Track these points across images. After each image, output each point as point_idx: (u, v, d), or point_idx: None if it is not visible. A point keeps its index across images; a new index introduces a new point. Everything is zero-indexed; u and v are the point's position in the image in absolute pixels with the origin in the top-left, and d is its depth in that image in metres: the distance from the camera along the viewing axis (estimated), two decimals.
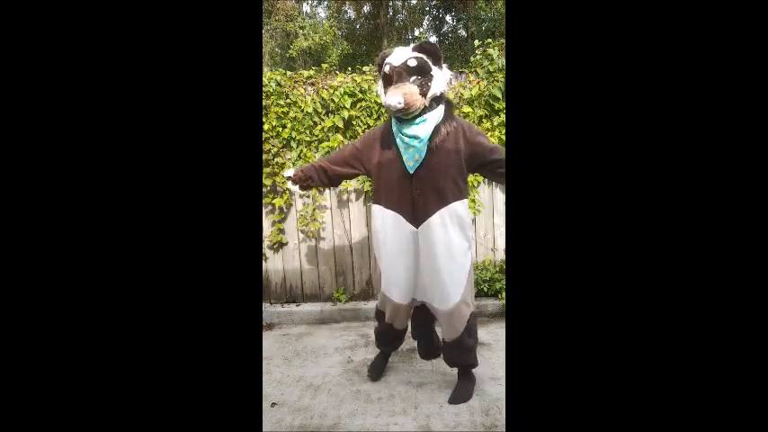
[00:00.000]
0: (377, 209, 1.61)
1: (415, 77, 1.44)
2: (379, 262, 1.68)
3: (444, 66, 1.53)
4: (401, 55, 1.47)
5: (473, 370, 1.76)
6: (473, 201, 2.60)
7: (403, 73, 1.44)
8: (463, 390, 1.70)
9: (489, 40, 2.67)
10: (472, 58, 2.65)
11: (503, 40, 2.65)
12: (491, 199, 2.69)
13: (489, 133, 2.57)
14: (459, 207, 1.54)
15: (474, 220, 2.71)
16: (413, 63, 1.44)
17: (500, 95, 2.53)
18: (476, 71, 2.59)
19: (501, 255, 2.73)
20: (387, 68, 1.48)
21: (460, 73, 2.63)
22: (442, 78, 1.49)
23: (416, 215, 1.52)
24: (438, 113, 1.52)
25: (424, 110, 1.48)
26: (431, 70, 1.46)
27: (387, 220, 1.57)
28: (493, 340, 2.25)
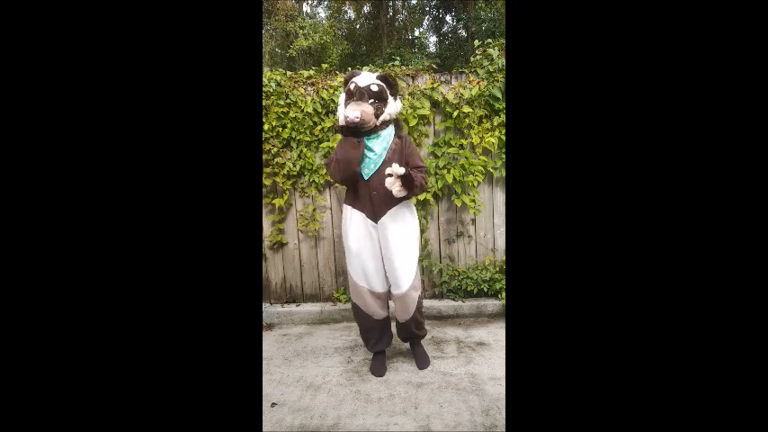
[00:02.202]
0: (347, 208, 1.87)
1: (372, 100, 1.73)
2: (347, 255, 1.90)
3: (399, 98, 1.87)
4: (366, 78, 1.77)
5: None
6: (473, 201, 2.60)
7: (364, 94, 1.72)
8: (423, 356, 1.99)
9: (489, 40, 2.67)
10: (472, 58, 2.65)
11: (503, 40, 2.65)
12: (491, 199, 2.68)
13: (489, 133, 2.58)
14: (405, 206, 1.84)
15: (474, 220, 2.70)
16: (374, 88, 1.74)
17: (500, 95, 2.53)
18: (476, 71, 2.59)
19: (501, 255, 2.73)
20: (352, 86, 1.74)
21: (461, 73, 2.63)
22: (394, 107, 1.82)
23: (375, 212, 1.80)
24: (389, 132, 1.82)
25: (376, 128, 1.78)
26: (387, 98, 1.78)
27: (354, 218, 1.84)
28: (493, 340, 2.25)
